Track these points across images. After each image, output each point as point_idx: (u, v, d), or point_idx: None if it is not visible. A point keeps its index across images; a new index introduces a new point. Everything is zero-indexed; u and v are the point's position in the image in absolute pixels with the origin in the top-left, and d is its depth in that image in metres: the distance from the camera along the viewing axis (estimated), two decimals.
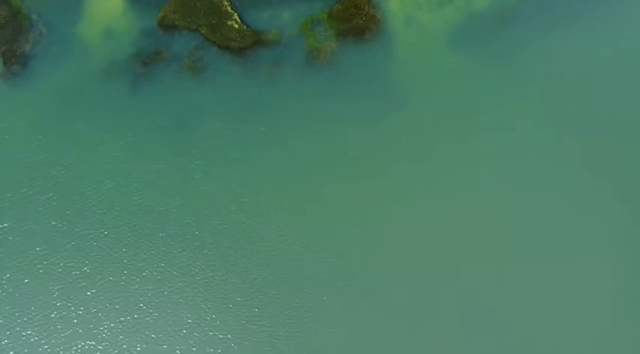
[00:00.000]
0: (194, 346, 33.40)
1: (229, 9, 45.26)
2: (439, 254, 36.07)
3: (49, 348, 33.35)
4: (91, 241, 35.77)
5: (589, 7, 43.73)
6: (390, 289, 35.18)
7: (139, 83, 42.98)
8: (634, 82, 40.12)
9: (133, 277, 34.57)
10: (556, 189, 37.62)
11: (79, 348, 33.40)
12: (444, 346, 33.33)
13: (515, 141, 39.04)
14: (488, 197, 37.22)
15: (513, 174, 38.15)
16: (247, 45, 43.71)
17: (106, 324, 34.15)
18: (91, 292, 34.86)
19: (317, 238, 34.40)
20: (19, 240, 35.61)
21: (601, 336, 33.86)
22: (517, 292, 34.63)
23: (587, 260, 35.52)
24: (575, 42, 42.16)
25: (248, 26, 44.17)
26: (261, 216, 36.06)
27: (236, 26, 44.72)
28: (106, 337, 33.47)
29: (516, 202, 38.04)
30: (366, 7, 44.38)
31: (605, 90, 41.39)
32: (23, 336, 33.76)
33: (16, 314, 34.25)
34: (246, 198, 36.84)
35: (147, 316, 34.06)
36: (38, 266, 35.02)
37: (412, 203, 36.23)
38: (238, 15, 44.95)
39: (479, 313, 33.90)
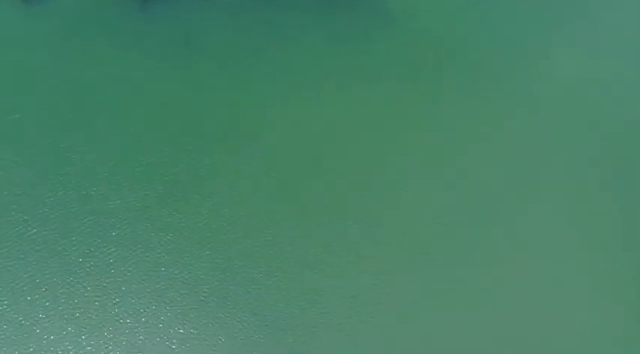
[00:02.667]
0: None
1: None
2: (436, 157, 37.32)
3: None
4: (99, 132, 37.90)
5: None
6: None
7: (149, 2, 44.72)
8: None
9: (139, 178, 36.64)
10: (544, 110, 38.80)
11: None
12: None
13: (503, 66, 40.35)
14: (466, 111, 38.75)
15: (501, 93, 39.37)
16: None
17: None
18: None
19: (313, 135, 36.34)
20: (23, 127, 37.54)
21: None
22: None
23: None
24: None
25: None
26: (261, 114, 37.93)
27: None
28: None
29: (508, 120, 39.46)
30: None
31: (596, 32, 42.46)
32: None
33: None
34: (247, 97, 38.44)
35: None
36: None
37: (403, 110, 37.92)
38: None
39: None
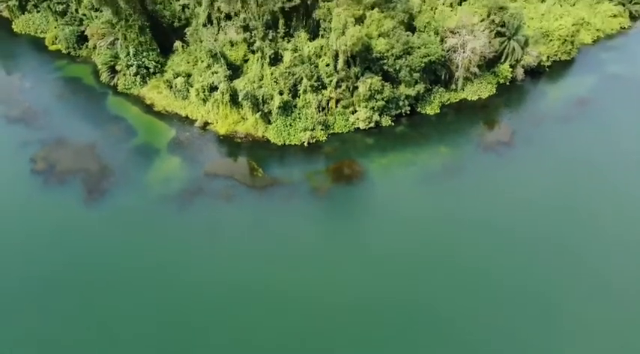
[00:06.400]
0: None
1: (256, 165, 63.14)
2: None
3: None
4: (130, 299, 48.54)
5: (506, 168, 63.48)
6: None
7: (185, 206, 57.86)
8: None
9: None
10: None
11: None
12: None
13: (455, 251, 53.04)
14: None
15: (454, 278, 50.86)
16: (267, 185, 60.98)
17: None
18: None
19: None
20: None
21: None
22: None
23: None
24: (497, 186, 60.90)
25: (268, 175, 61.57)
26: (267, 281, 48.90)
27: (260, 175, 61.60)
28: None
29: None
30: (354, 166, 63.07)
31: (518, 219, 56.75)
32: None
33: None
34: (257, 269, 49.79)
35: None
36: None
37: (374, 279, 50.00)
38: (262, 169, 62.23)
39: None
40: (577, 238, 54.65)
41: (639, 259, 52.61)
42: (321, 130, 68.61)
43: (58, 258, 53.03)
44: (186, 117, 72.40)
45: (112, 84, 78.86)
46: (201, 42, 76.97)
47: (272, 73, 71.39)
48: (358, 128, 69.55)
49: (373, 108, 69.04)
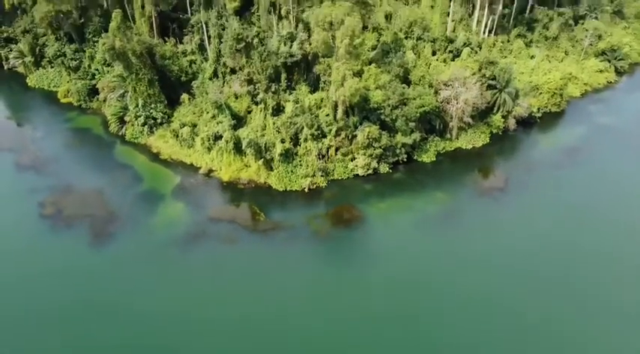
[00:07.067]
0: None
1: (258, 210, 64.92)
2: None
3: None
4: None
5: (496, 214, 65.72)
6: None
7: (188, 248, 59.32)
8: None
9: None
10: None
11: None
12: None
13: (454, 291, 54.03)
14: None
15: (454, 310, 51.95)
16: (268, 229, 62.36)
17: None
18: None
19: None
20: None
21: None
22: None
23: None
24: (493, 228, 63.03)
25: (270, 219, 63.22)
26: (270, 324, 50.00)
27: (262, 219, 63.29)
28: None
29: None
30: (353, 210, 64.76)
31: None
32: None
33: None
34: (260, 310, 50.98)
35: None
36: None
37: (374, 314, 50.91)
38: (264, 213, 63.99)
39: None
40: (571, 275, 55.91)
41: (632, 289, 54.33)
42: (321, 176, 71.00)
43: (64, 299, 53.91)
44: (191, 164, 75.12)
45: (120, 134, 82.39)
46: (207, 94, 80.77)
47: (274, 123, 74.83)
48: (357, 175, 72.08)
49: (371, 155, 71.88)
